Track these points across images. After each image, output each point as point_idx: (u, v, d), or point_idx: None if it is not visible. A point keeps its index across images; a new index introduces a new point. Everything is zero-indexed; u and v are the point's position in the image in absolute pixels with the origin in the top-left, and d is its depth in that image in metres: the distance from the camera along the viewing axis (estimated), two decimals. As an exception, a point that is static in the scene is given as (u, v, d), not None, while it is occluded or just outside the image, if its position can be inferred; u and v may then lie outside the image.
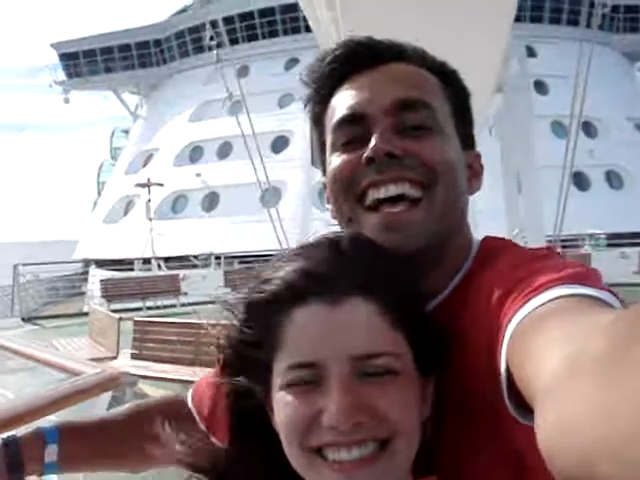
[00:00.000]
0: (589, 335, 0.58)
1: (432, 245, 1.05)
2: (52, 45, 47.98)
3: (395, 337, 0.88)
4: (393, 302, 0.89)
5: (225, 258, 25.35)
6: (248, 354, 0.95)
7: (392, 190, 1.04)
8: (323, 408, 0.84)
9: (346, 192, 1.09)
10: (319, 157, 1.22)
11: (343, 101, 1.12)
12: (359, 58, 1.13)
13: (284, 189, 28.20)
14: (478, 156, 1.20)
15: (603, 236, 25.22)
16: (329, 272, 0.88)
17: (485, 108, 2.87)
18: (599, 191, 31.87)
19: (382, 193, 1.04)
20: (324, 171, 1.19)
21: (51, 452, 1.26)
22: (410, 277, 0.98)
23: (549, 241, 4.71)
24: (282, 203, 26.31)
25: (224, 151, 33.89)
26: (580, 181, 31.36)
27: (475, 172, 1.18)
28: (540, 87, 32.14)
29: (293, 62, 36.12)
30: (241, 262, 24.71)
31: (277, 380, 0.90)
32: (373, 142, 1.04)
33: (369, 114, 1.08)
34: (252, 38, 38.93)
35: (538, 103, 25.99)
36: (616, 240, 23.53)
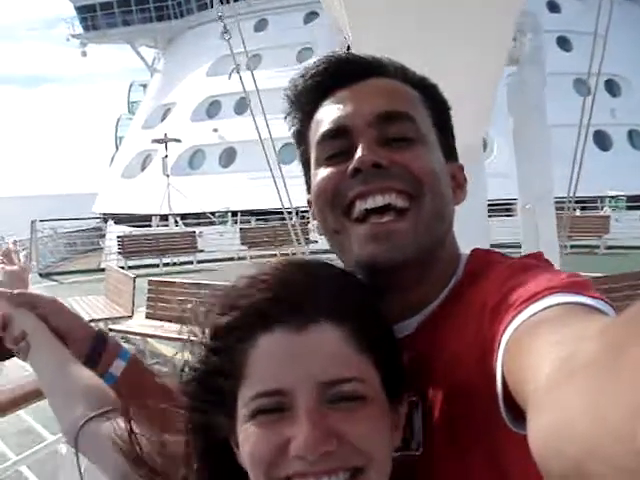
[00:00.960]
0: (582, 340, 0.59)
1: (420, 256, 1.06)
2: (69, -3, 47.70)
3: (362, 362, 0.87)
4: (360, 328, 0.88)
5: (242, 215, 25.44)
6: (212, 383, 0.92)
7: (379, 200, 1.04)
8: (291, 438, 0.82)
9: (332, 205, 1.09)
10: (304, 174, 1.23)
11: (326, 115, 1.13)
12: (341, 73, 1.15)
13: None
14: (461, 168, 1.21)
15: (623, 197, 25.01)
16: (295, 298, 0.87)
17: (497, 80, 2.81)
18: (621, 151, 31.53)
19: (369, 204, 1.05)
20: (308, 188, 1.20)
21: (118, 366, 1.36)
22: (377, 302, 0.98)
23: (561, 204, 4.64)
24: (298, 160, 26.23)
25: (241, 106, 33.77)
26: (601, 140, 31.04)
27: (459, 183, 1.19)
28: (563, 43, 31.71)
29: (312, 15, 35.76)
30: (258, 219, 24.80)
31: (242, 411, 0.88)
32: (359, 153, 1.05)
33: (353, 127, 1.09)
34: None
35: (561, 60, 25.70)
36: (637, 202, 23.33)
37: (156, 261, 19.34)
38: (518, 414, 0.75)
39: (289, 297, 0.87)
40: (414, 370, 1.01)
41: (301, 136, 1.21)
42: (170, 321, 8.67)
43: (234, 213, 25.65)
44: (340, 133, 1.10)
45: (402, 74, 1.17)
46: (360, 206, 1.05)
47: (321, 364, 0.84)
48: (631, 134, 32.88)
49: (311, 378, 0.83)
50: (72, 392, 1.26)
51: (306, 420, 0.81)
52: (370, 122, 1.08)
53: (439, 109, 1.18)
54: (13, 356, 1.40)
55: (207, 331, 0.93)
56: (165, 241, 20.22)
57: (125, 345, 1.45)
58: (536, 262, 1.03)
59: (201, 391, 0.94)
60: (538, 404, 0.61)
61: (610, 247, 19.54)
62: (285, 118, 1.23)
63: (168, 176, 27.21)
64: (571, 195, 4.63)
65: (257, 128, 5.84)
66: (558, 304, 0.78)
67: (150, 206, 28.18)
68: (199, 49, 38.72)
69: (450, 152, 1.18)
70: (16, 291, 1.39)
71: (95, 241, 26.28)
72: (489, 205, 4.23)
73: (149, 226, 24.86)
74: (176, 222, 24.95)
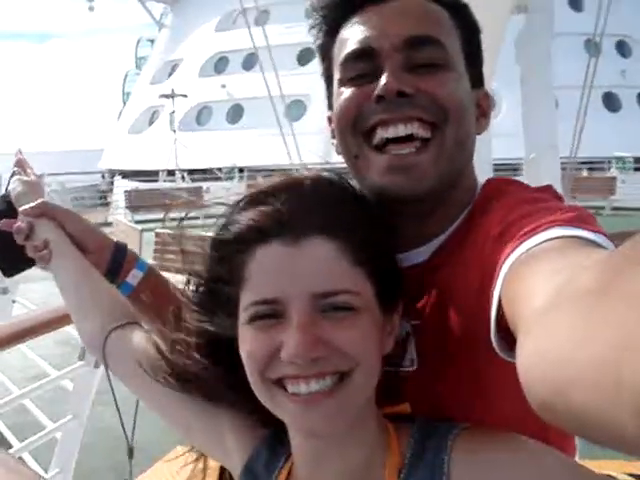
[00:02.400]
0: (577, 270, 0.60)
1: (439, 187, 1.07)
2: (76, -51, 46.91)
3: (355, 275, 0.91)
4: (354, 242, 0.92)
5: (249, 171, 25.34)
6: (217, 289, 0.98)
7: (401, 130, 1.04)
8: (283, 343, 0.88)
9: (353, 128, 1.08)
10: (326, 89, 1.21)
11: (352, 35, 1.10)
12: None
13: (309, 102, 27.97)
14: (487, 95, 1.20)
15: (631, 159, 24.81)
16: (290, 214, 0.91)
17: (502, 28, 2.80)
18: (630, 113, 31.14)
19: (391, 133, 1.04)
20: (330, 105, 1.18)
21: (135, 275, 1.42)
22: (375, 216, 1.00)
23: (564, 164, 4.62)
24: (306, 116, 26.09)
25: (250, 62, 33.41)
26: (611, 102, 30.64)
27: (483, 111, 1.18)
28: (575, 3, 31.15)
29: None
30: (265, 175, 24.62)
31: (242, 314, 0.93)
32: (384, 80, 1.03)
33: (379, 50, 1.06)
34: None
35: (573, 20, 25.28)
36: (644, 164, 23.17)
37: (162, 216, 19.31)
38: (511, 342, 0.76)
39: (284, 213, 0.91)
40: (418, 296, 1.07)
41: (325, 51, 1.19)
42: (177, 272, 8.73)
43: (241, 169, 25.56)
44: (366, 55, 1.07)
45: None
46: (381, 134, 1.05)
47: (314, 276, 0.88)
48: (641, 96, 32.46)
49: (304, 289, 0.88)
50: (94, 302, 1.31)
51: (297, 328, 0.86)
52: (397, 46, 1.05)
53: (469, 32, 1.15)
54: (33, 265, 1.43)
55: (209, 244, 1.00)
56: (172, 196, 20.17)
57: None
58: (544, 195, 1.04)
59: (207, 295, 1.02)
60: (528, 329, 0.62)
61: (616, 208, 19.44)
62: (310, 30, 1.20)
63: (175, 132, 27.06)
64: (573, 155, 4.64)
65: (267, 85, 5.83)
66: (559, 237, 0.79)
67: (157, 162, 28.05)
68: (207, 4, 38.09)
69: (477, 79, 1.15)
70: (35, 202, 1.41)
71: (103, 195, 26.28)
72: (496, 164, 4.26)
73: (156, 181, 24.79)
74: (183, 177, 24.90)
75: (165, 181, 25.01)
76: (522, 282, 0.74)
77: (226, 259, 0.96)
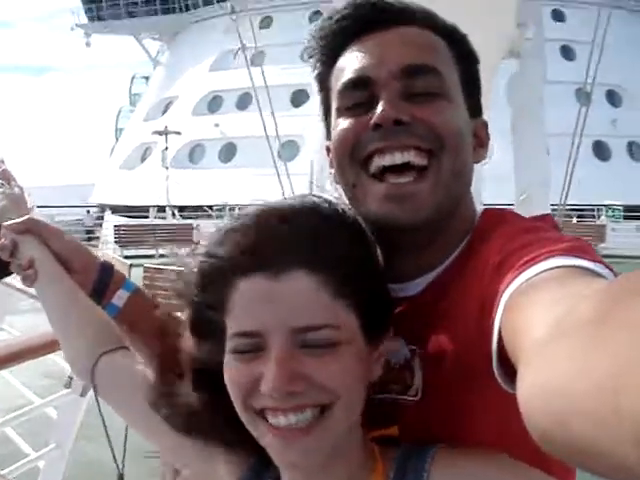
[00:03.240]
0: (577, 300, 0.59)
1: (437, 217, 1.05)
2: (75, -14, 47.58)
3: (337, 309, 0.90)
4: (337, 274, 0.90)
5: (240, 209, 25.45)
6: (205, 316, 0.97)
7: (398, 158, 1.03)
8: (262, 374, 0.87)
9: (351, 157, 1.07)
10: (323, 120, 1.21)
11: (350, 64, 1.10)
12: (368, 19, 1.11)
13: (302, 143, 28.19)
14: (485, 124, 1.18)
15: (620, 207, 25.05)
16: (271, 247, 0.89)
17: (494, 72, 2.84)
18: (620, 162, 31.53)
19: (387, 160, 1.03)
20: (328, 134, 1.17)
21: (121, 297, 1.36)
22: (360, 247, 0.97)
23: (554, 210, 4.66)
24: (299, 157, 26.27)
25: (243, 102, 33.70)
26: (601, 151, 31.06)
27: (481, 141, 1.16)
28: (567, 52, 31.70)
29: (317, 14, 35.65)
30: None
31: (227, 343, 0.92)
32: (380, 108, 1.02)
33: (376, 78, 1.06)
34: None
35: (564, 69, 25.68)
36: (633, 212, 23.38)
37: (152, 252, 19.34)
38: (511, 373, 0.75)
39: (264, 247, 0.89)
40: (419, 325, 1.05)
41: (323, 80, 1.18)
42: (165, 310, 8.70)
43: (232, 207, 25.64)
44: (363, 83, 1.07)
45: (431, 22, 1.12)
46: (378, 162, 1.04)
47: (294, 310, 0.87)
48: (631, 145, 32.88)
49: (284, 323, 0.87)
50: (81, 326, 1.27)
51: (275, 362, 0.85)
52: (394, 74, 1.05)
53: (467, 62, 1.14)
54: (10, 274, 1.38)
55: (194, 276, 0.98)
56: (162, 232, 20.23)
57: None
58: (543, 225, 1.04)
59: (195, 321, 1.00)
60: (528, 361, 0.62)
61: (606, 256, 19.34)
62: (309, 59, 1.20)
63: (167, 168, 27.19)
64: (563, 202, 4.67)
65: (263, 123, 5.87)
66: (558, 266, 0.78)
67: (148, 197, 28.15)
68: (203, 43, 38.65)
69: (475, 108, 1.14)
70: (21, 218, 1.35)
71: (88, 231, 26.27)
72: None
73: (146, 217, 24.85)
74: (173, 214, 24.96)
75: (156, 217, 25.03)
76: (522, 313, 0.74)
77: (210, 289, 0.95)
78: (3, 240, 1.32)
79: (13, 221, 1.35)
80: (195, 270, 0.98)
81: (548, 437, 0.52)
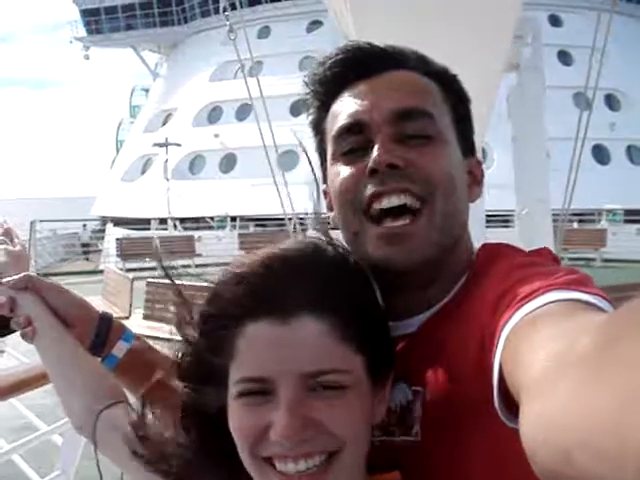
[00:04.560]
0: (578, 334, 0.59)
1: (435, 257, 1.07)
2: (74, 0, 47.70)
3: (344, 352, 0.90)
4: (343, 317, 0.91)
5: (241, 220, 25.42)
6: (204, 360, 0.97)
7: (395, 201, 1.05)
8: (271, 422, 0.87)
9: (352, 206, 1.09)
10: (320, 164, 1.22)
11: (344, 109, 1.12)
12: (360, 64, 1.13)
13: (301, 153, 27.93)
14: (479, 163, 1.20)
15: (620, 211, 25.01)
16: (278, 292, 0.90)
17: (495, 86, 2.85)
18: (619, 166, 31.50)
19: (385, 204, 1.05)
20: (324, 178, 1.20)
21: (121, 348, 1.36)
22: (363, 289, 0.99)
23: (557, 216, 4.65)
24: (299, 167, 26.27)
25: (243, 112, 33.71)
26: (600, 155, 31.02)
27: (476, 179, 1.19)
28: (564, 57, 31.72)
29: (315, 24, 35.77)
30: (257, 225, 24.77)
31: (232, 389, 0.93)
32: (375, 153, 1.04)
33: (370, 123, 1.08)
34: (274, -1, 38.55)
35: (562, 74, 25.71)
36: (634, 216, 23.34)
37: (154, 264, 19.33)
38: (513, 408, 0.76)
39: (271, 291, 0.90)
40: (417, 363, 1.05)
41: (318, 125, 1.20)
42: (167, 322, 8.71)
43: (233, 218, 25.62)
44: (357, 128, 1.09)
45: (423, 65, 1.15)
46: (376, 206, 1.05)
47: (303, 356, 0.87)
48: (630, 149, 32.85)
49: (293, 369, 0.87)
50: (80, 383, 1.28)
51: (285, 409, 0.86)
52: (387, 119, 1.07)
53: (459, 103, 1.16)
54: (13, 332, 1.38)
55: (196, 317, 0.99)
56: (164, 244, 20.21)
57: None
58: (539, 259, 1.05)
59: (194, 367, 0.99)
60: (531, 395, 0.62)
61: (606, 260, 19.55)
62: (303, 105, 1.22)
63: (168, 180, 27.20)
64: (566, 207, 4.67)
65: (261, 134, 5.86)
66: (557, 300, 0.79)
67: (149, 210, 28.10)
68: (202, 55, 38.68)
69: (468, 147, 1.16)
70: (18, 275, 1.36)
71: (94, 243, 26.27)
72: (487, 216, 4.28)
73: (148, 229, 24.83)
74: (175, 226, 24.94)
75: (157, 229, 25.00)
76: (522, 349, 0.74)
77: (214, 333, 0.95)
78: (1, 297, 1.32)
79: (11, 278, 1.35)
80: (197, 313, 0.99)
81: (552, 472, 0.52)
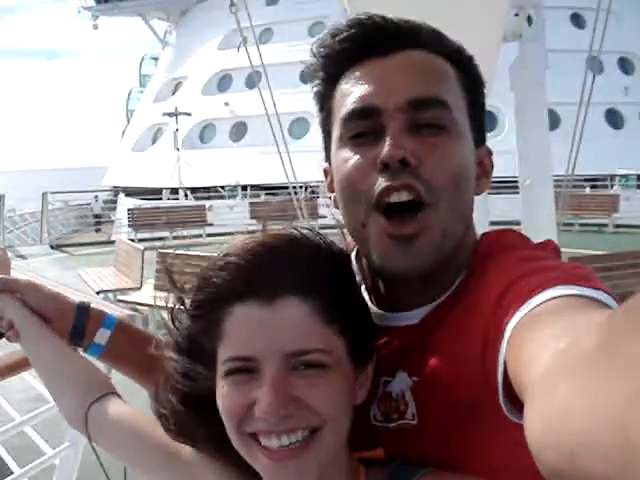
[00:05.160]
0: (581, 332, 0.59)
1: (441, 258, 1.06)
2: (81, -31, 47.36)
3: (327, 334, 0.95)
4: (327, 301, 0.95)
5: (252, 189, 25.42)
6: (195, 341, 1.02)
7: (404, 195, 1.02)
8: (256, 399, 0.91)
9: (362, 198, 1.06)
10: (323, 141, 1.19)
11: (354, 91, 1.07)
12: (373, 41, 1.08)
13: (312, 120, 27.97)
14: (489, 152, 1.17)
15: (634, 176, 24.84)
16: (264, 275, 0.94)
17: (494, 56, 2.83)
18: (633, 130, 31.21)
19: (394, 198, 1.03)
20: (327, 157, 1.17)
21: (103, 335, 1.37)
22: (346, 278, 1.04)
23: (559, 182, 4.64)
24: (310, 134, 26.19)
25: (253, 80, 33.57)
26: (614, 119, 30.77)
27: (485, 170, 1.16)
28: (577, 20, 31.31)
29: (324, -9, 35.43)
30: (268, 193, 24.78)
31: (220, 368, 0.97)
32: (387, 147, 1.01)
33: (382, 109, 1.04)
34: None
35: (574, 37, 25.38)
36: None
37: (166, 234, 19.40)
38: (517, 404, 0.77)
39: (258, 275, 0.94)
40: (418, 354, 1.06)
41: (324, 100, 1.16)
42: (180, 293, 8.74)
43: (244, 187, 25.63)
44: (369, 113, 1.05)
45: (437, 44, 1.10)
46: (384, 199, 1.03)
47: (287, 336, 0.92)
48: (644, 113, 32.54)
49: (277, 349, 0.91)
50: (68, 379, 1.31)
51: (269, 387, 0.90)
52: (401, 106, 1.03)
53: (474, 88, 1.12)
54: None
55: (187, 302, 1.03)
56: (175, 214, 20.28)
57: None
58: (542, 252, 1.04)
59: (186, 347, 1.04)
60: (534, 395, 0.61)
61: (619, 226, 19.48)
62: (307, 75, 1.18)
63: (179, 150, 27.22)
64: (569, 173, 4.64)
65: (264, 103, 5.81)
66: (560, 296, 0.79)
67: (160, 179, 28.21)
68: (211, 22, 38.39)
69: (480, 134, 1.13)
70: None
71: (106, 214, 26.37)
72: (499, 182, 4.27)
73: (159, 199, 24.89)
74: (186, 195, 24.99)
75: (169, 199, 25.06)
76: (525, 348, 0.74)
77: (204, 316, 0.99)
78: None
79: None
80: (190, 299, 1.02)
81: (557, 472, 0.52)
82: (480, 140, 1.13)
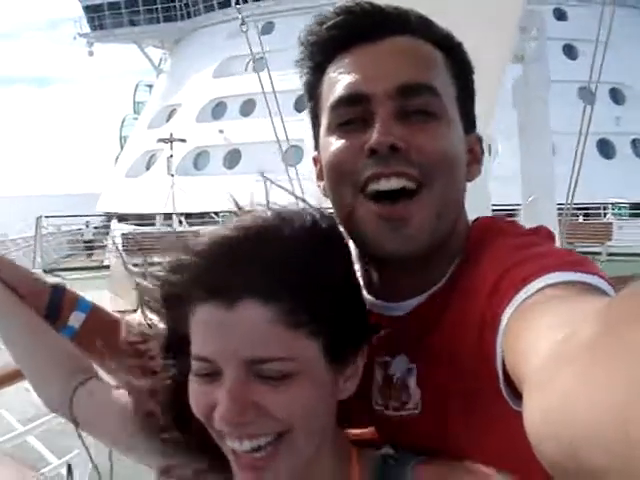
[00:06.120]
0: (579, 321, 0.58)
1: (433, 242, 1.04)
2: (77, -4, 47.70)
3: (292, 340, 0.89)
4: (294, 304, 0.89)
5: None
6: (173, 336, 0.99)
7: (394, 183, 1.01)
8: (217, 401, 0.89)
9: (348, 181, 1.05)
10: (312, 129, 1.18)
11: (342, 78, 1.06)
12: (361, 28, 1.07)
13: (306, 148, 28.08)
14: (479, 139, 1.17)
15: (626, 205, 24.95)
16: (224, 275, 0.89)
17: (499, 78, 2.86)
18: (625, 159, 31.38)
19: (383, 186, 1.01)
20: (316, 145, 1.15)
21: (77, 318, 1.35)
22: (327, 270, 0.95)
23: (561, 210, 4.67)
24: (304, 162, 26.26)
25: (247, 108, 33.69)
26: (605, 149, 30.91)
27: (475, 156, 1.15)
28: (570, 51, 31.57)
29: (319, 19, 35.68)
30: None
31: (192, 364, 0.94)
32: (376, 133, 1.00)
33: (370, 96, 1.03)
34: (279, -6, 38.50)
35: (567, 68, 25.61)
36: (640, 210, 23.32)
37: (160, 260, 19.36)
38: (518, 393, 0.75)
39: (219, 275, 0.89)
40: (413, 343, 1.06)
41: (312, 89, 1.15)
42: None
43: (238, 213, 25.65)
44: (356, 100, 1.04)
45: (426, 31, 1.09)
46: (373, 186, 1.02)
47: (245, 342, 0.87)
48: (635, 143, 32.71)
49: (236, 354, 0.87)
50: (49, 363, 1.27)
51: (227, 393, 0.87)
52: (389, 93, 1.02)
53: (463, 73, 1.12)
54: None
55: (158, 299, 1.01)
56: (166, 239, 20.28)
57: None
58: (536, 238, 1.04)
59: (165, 341, 1.02)
60: (532, 387, 0.61)
61: (612, 254, 19.52)
62: (296, 64, 1.17)
63: (173, 176, 27.20)
64: (569, 201, 4.67)
65: (273, 127, 5.84)
66: (554, 284, 0.79)
67: (154, 205, 28.17)
68: (205, 50, 38.61)
69: (470, 123, 1.13)
70: None
71: (98, 239, 26.32)
72: (494, 210, 4.29)
73: (152, 225, 24.85)
74: (180, 222, 24.97)
75: (162, 225, 25.05)
76: (522, 337, 0.74)
77: (172, 312, 0.98)
78: None
79: None
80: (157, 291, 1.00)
81: (557, 464, 0.52)
82: (469, 127, 1.12)
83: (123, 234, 20.67)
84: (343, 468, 0.99)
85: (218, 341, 0.89)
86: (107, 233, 25.44)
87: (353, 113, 1.04)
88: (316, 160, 1.17)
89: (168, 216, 25.60)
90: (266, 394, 0.87)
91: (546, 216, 4.18)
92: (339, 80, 1.07)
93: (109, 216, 31.06)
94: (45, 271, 19.55)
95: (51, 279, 1.42)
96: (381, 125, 1.00)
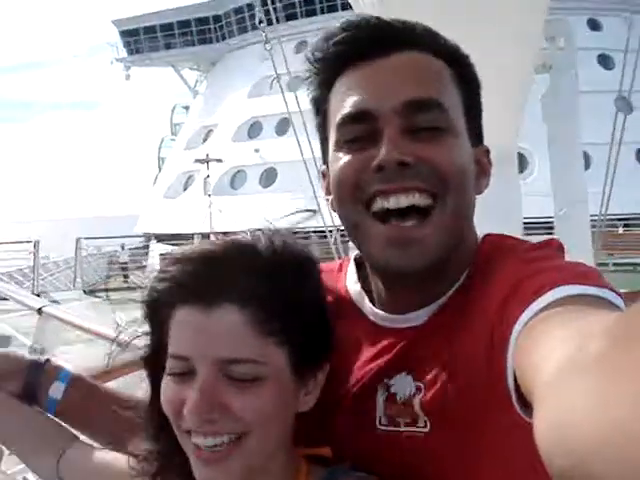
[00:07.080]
0: (590, 335, 0.57)
1: (442, 258, 1.04)
2: (113, 22, 48.55)
3: (263, 346, 0.95)
4: (267, 312, 0.95)
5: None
6: (154, 344, 1.05)
7: (403, 201, 1.00)
8: (187, 398, 0.93)
9: (353, 196, 1.05)
10: (320, 144, 1.18)
11: (349, 94, 1.05)
12: (367, 43, 1.06)
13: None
14: (486, 151, 1.15)
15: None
16: (205, 280, 0.95)
17: (525, 89, 2.83)
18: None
19: (392, 203, 1.00)
20: (324, 159, 1.16)
21: (57, 389, 1.31)
22: (299, 284, 1.01)
23: (594, 221, 4.58)
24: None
25: (283, 127, 33.89)
26: (645, 158, 30.50)
27: (484, 169, 1.13)
28: (605, 61, 31.28)
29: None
30: (298, 238, 24.80)
31: (166, 366, 0.99)
32: (384, 150, 0.99)
33: (378, 113, 1.02)
34: (310, 13, 38.73)
35: (602, 78, 25.34)
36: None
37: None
38: (529, 403, 0.74)
39: (199, 280, 0.95)
40: (422, 357, 1.05)
41: (319, 104, 1.14)
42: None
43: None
44: (363, 117, 1.03)
45: (433, 44, 1.07)
46: (381, 204, 1.01)
47: (219, 342, 0.93)
48: (676, 152, 32.22)
49: (210, 353, 0.93)
50: (36, 438, 1.30)
51: (197, 390, 0.92)
52: (397, 110, 1.00)
53: (470, 87, 1.10)
54: None
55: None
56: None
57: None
58: (545, 252, 1.02)
59: (150, 355, 1.06)
60: (543, 401, 0.60)
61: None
62: (304, 81, 1.16)
63: (210, 196, 27.45)
64: (603, 212, 4.61)
65: (300, 149, 5.90)
66: (566, 296, 0.78)
67: (192, 225, 28.40)
68: (240, 71, 38.99)
69: (477, 135, 1.11)
70: None
71: (137, 260, 26.59)
72: (530, 223, 4.25)
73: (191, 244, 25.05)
74: (217, 241, 25.16)
75: (200, 244, 25.23)
76: (534, 351, 0.73)
77: (153, 316, 1.02)
78: None
79: None
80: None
81: (566, 476, 0.51)
82: (477, 140, 1.11)
83: (161, 254, 20.84)
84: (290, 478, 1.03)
85: (195, 340, 0.94)
86: (146, 253, 25.67)
87: (359, 131, 1.04)
88: (324, 174, 1.17)
89: (206, 236, 25.79)
90: (233, 395, 0.93)
91: (579, 228, 4.14)
92: (346, 97, 1.06)
93: (148, 237, 31.36)
94: (85, 292, 19.84)
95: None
96: (388, 142, 1.00)
